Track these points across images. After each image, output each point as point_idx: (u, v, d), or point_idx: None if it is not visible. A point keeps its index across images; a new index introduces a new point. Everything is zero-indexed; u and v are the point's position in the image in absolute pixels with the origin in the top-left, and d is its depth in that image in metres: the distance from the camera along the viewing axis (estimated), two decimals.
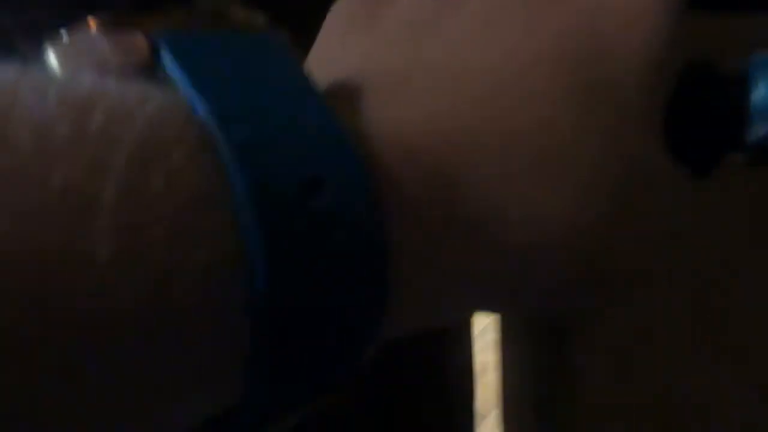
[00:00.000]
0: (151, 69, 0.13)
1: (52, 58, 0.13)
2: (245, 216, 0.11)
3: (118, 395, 0.11)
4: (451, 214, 0.15)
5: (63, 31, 0.14)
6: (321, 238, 0.12)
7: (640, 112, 0.16)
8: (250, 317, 0.12)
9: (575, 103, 0.16)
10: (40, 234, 0.10)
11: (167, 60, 0.13)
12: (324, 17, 0.18)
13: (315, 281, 0.12)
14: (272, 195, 0.12)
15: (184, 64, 0.12)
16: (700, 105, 0.18)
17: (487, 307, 0.18)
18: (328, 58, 0.17)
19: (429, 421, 0.41)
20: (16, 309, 0.09)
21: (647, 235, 0.17)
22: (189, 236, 0.11)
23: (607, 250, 0.16)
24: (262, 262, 0.11)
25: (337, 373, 0.14)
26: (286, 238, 0.12)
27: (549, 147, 0.15)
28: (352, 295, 0.13)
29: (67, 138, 0.11)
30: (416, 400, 0.41)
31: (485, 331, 2.13)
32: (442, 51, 0.16)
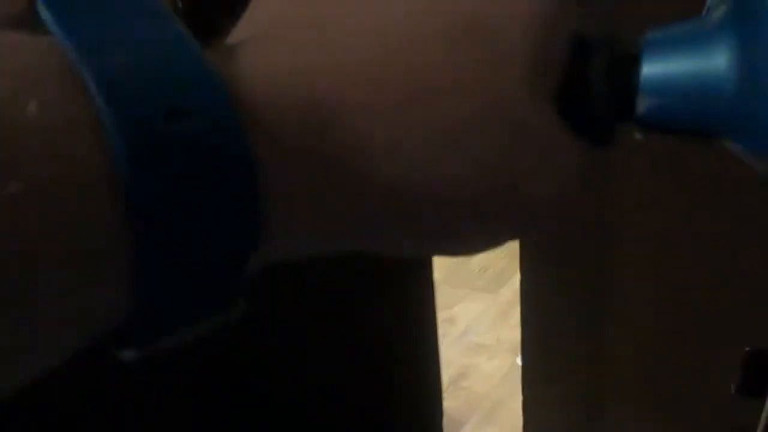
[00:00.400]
0: (31, 18, 0.14)
1: None
2: (112, 139, 0.13)
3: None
4: (322, 145, 0.16)
5: None
6: (186, 160, 0.13)
7: (524, 80, 0.18)
8: (127, 229, 0.13)
9: (450, 57, 0.17)
10: None
11: (40, 6, 0.14)
12: None
13: (184, 197, 0.14)
14: (135, 121, 0.13)
15: (54, 8, 0.14)
16: (592, 79, 0.20)
17: (366, 242, 0.18)
18: (250, 13, 0.19)
19: None
20: None
21: (539, 197, 0.18)
22: (63, 154, 0.13)
23: (485, 205, 0.18)
24: (132, 182, 0.13)
25: (219, 286, 0.15)
26: (152, 160, 0.13)
27: (418, 91, 0.16)
28: (222, 209, 0.14)
29: None
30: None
31: (466, 332, 2.06)
32: (331, 4, 0.18)
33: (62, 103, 0.13)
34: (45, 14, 0.14)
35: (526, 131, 0.18)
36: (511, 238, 0.19)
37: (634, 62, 0.20)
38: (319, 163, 0.16)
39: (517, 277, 2.23)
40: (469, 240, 0.19)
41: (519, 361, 1.79)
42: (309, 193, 0.16)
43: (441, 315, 2.03)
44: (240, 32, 0.18)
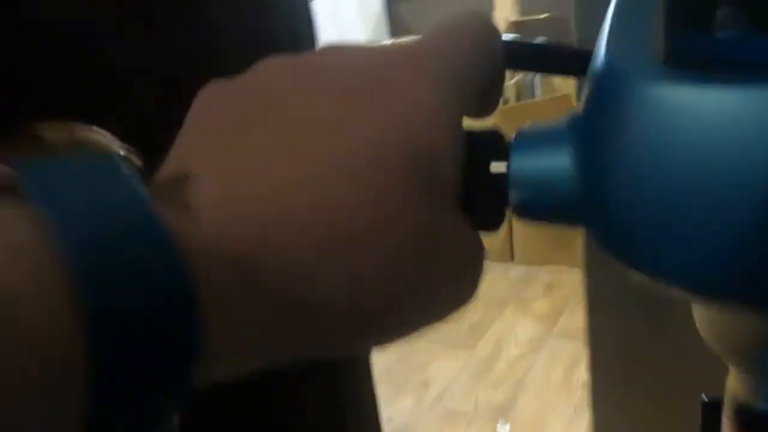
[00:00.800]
0: (14, 191, 0.16)
1: None
2: (83, 303, 0.15)
3: None
4: (251, 282, 0.17)
5: None
6: (143, 312, 0.15)
7: (441, 195, 0.20)
8: (88, 388, 0.15)
9: (349, 196, 0.18)
10: None
11: (24, 184, 0.16)
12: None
13: (140, 338, 0.15)
14: (105, 285, 0.15)
15: (30, 180, 0.16)
16: (478, 172, 0.22)
17: (301, 353, 0.20)
18: (183, 150, 0.20)
19: None
20: None
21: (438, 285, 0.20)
22: (43, 329, 0.14)
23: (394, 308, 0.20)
24: (98, 335, 0.15)
25: (163, 408, 0.17)
26: (118, 314, 0.15)
27: (330, 233, 0.18)
28: (168, 347, 0.16)
29: None
30: None
31: (441, 396, 1.85)
32: (267, 143, 0.19)
33: (41, 276, 0.14)
34: (24, 184, 0.16)
35: (436, 243, 0.19)
36: (432, 324, 0.21)
37: (508, 157, 0.22)
38: (250, 297, 0.18)
39: (494, 329, 2.09)
40: (399, 333, 0.21)
41: (499, 428, 1.62)
42: (243, 320, 0.18)
43: (415, 378, 1.86)
44: (168, 170, 0.20)
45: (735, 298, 0.17)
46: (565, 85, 2.24)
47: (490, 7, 2.52)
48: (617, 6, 0.21)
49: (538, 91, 2.40)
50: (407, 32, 3.00)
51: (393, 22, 3.27)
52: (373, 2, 3.18)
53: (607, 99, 0.19)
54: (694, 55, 0.17)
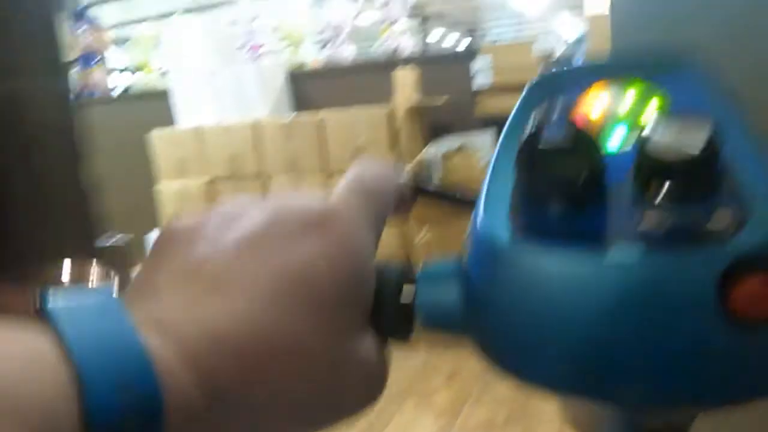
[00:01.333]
0: (38, 312, 0.21)
1: None
2: (87, 406, 0.19)
3: None
4: (208, 390, 0.22)
5: None
6: (127, 413, 0.19)
7: (355, 315, 0.25)
8: None
9: (306, 315, 0.23)
10: None
11: (46, 308, 0.21)
12: None
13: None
14: (102, 395, 0.19)
15: (53, 312, 0.20)
16: (388, 297, 0.27)
17: None
18: (150, 273, 0.25)
19: None
20: None
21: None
22: (49, 408, 0.18)
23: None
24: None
25: None
26: (110, 415, 0.19)
27: (276, 349, 0.23)
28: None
29: None
30: None
31: None
32: (218, 275, 0.23)
33: (58, 385, 0.19)
34: (50, 313, 0.20)
35: (349, 355, 0.25)
36: (342, 419, 0.26)
37: (413, 285, 0.28)
38: (203, 395, 0.22)
39: (392, 427, 2.03)
40: (313, 427, 0.25)
41: None
42: (196, 414, 0.21)
43: None
44: (139, 287, 0.24)
45: (556, 389, 0.24)
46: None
47: (390, 90, 2.54)
48: (488, 182, 0.28)
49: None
50: (309, 108, 2.99)
51: (296, 98, 3.25)
52: (275, 79, 3.16)
53: (479, 254, 0.26)
54: (534, 227, 0.24)
